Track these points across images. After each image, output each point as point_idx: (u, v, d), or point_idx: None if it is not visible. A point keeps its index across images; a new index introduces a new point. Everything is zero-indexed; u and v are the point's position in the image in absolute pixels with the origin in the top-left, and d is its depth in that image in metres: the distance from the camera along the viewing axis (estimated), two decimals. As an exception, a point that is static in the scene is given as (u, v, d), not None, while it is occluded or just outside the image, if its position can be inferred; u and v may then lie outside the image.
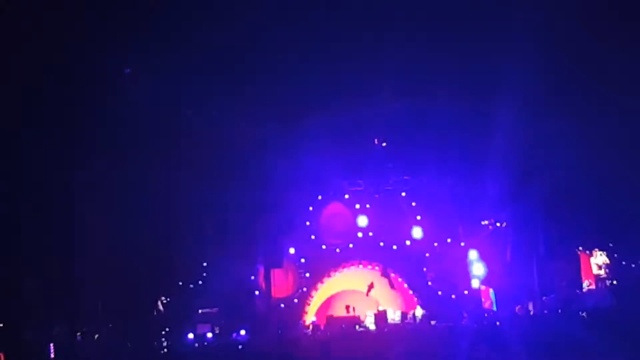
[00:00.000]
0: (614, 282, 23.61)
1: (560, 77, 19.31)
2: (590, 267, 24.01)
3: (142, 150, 21.10)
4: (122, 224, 21.41)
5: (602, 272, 23.85)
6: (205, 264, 23.15)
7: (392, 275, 24.52)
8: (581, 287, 24.25)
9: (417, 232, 24.57)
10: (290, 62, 19.65)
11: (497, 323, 22.01)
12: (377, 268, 24.71)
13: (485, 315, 23.21)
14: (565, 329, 19.43)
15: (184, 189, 22.05)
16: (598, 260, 23.90)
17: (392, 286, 24.34)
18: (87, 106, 19.48)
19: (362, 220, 24.83)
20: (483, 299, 24.07)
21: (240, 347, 20.67)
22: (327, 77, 20.40)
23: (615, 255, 23.76)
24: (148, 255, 21.64)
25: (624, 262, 23.65)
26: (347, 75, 20.51)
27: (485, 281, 24.15)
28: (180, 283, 22.73)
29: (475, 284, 24.32)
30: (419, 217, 24.79)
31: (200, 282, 22.97)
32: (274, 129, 22.02)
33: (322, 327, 22.94)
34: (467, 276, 24.41)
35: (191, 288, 22.79)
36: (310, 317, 24.04)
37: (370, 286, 24.01)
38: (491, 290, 23.89)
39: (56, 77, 18.66)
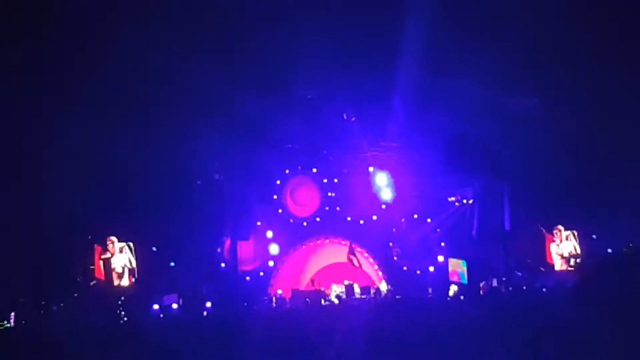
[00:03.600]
0: (578, 261, 23.82)
1: (530, 53, 19.31)
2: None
3: (112, 120, 20.77)
4: (88, 192, 21.12)
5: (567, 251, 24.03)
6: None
7: (358, 250, 24.53)
8: (545, 266, 24.45)
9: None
10: (261, 32, 19.44)
11: (462, 297, 22.18)
12: (343, 242, 24.74)
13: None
14: (527, 304, 19.63)
15: (154, 158, 21.85)
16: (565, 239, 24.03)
17: (358, 265, 24.31)
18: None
19: (329, 194, 24.86)
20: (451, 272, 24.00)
21: (205, 316, 20.61)
22: (299, 49, 20.25)
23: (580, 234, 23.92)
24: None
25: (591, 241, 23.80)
26: (319, 47, 20.35)
27: (454, 254, 24.18)
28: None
29: (440, 258, 24.47)
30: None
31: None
32: (245, 99, 21.85)
33: (287, 300, 22.97)
34: (432, 252, 24.55)
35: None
36: (275, 290, 24.06)
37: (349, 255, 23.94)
38: (462, 262, 23.83)
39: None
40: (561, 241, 24.01)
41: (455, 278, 23.77)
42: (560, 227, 23.92)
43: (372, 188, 24.74)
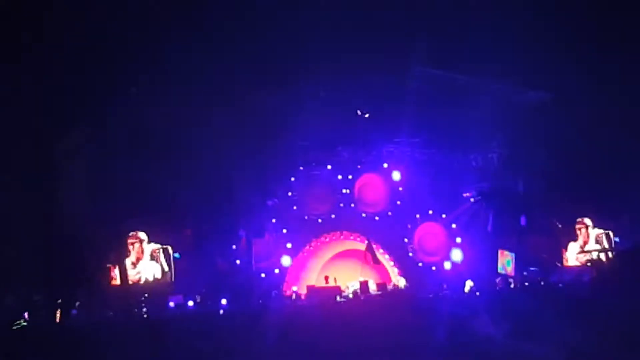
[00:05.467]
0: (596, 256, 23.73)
1: (542, 43, 19.18)
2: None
3: (121, 114, 20.78)
4: (103, 193, 21.16)
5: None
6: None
7: (375, 247, 24.51)
8: (561, 261, 24.39)
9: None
10: (272, 27, 19.39)
11: (477, 294, 22.15)
12: (359, 239, 24.74)
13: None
14: (544, 300, 19.56)
15: (169, 159, 21.89)
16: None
17: (375, 262, 24.30)
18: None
19: (344, 191, 24.88)
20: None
21: (221, 314, 20.62)
22: (310, 45, 20.18)
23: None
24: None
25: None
26: (330, 44, 20.29)
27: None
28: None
29: (456, 256, 24.48)
30: (400, 189, 24.94)
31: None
32: (256, 98, 21.85)
33: (303, 298, 22.97)
34: (448, 248, 24.55)
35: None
36: (291, 287, 24.07)
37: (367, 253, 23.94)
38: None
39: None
40: (580, 237, 23.99)
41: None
42: (584, 219, 23.88)
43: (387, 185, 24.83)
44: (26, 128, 18.94)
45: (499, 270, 23.73)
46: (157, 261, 21.81)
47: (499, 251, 24.01)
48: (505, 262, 23.92)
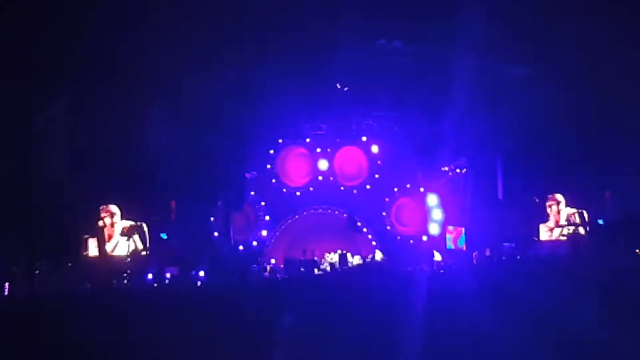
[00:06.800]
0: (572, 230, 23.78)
1: (522, 20, 19.10)
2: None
3: (104, 92, 20.58)
4: (80, 166, 21.02)
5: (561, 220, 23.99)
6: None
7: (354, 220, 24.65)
8: (538, 235, 24.49)
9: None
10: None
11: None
12: (337, 212, 24.86)
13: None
14: (519, 273, 19.64)
15: (146, 131, 21.76)
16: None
17: (355, 232, 24.48)
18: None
19: (323, 164, 24.91)
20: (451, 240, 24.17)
21: (198, 286, 20.67)
22: (290, 19, 20.03)
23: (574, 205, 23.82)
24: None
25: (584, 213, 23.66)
26: (309, 16, 20.14)
27: (452, 223, 24.36)
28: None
29: (434, 229, 24.56)
30: (379, 162, 24.98)
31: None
32: (235, 71, 21.73)
33: (280, 270, 23.06)
34: (425, 222, 24.66)
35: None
36: (270, 260, 24.16)
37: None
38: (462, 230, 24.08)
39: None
40: (558, 211, 23.90)
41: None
42: (556, 195, 23.75)
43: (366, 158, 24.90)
44: (2, 100, 18.72)
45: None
46: (128, 239, 21.64)
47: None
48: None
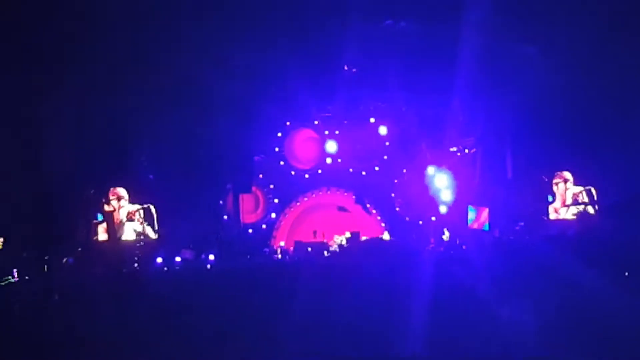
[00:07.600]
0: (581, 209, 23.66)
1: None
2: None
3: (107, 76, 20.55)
4: (88, 150, 21.06)
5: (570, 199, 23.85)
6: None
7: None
8: (547, 215, 24.38)
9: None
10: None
11: (464, 247, 22.30)
12: (346, 194, 24.87)
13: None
14: (529, 253, 19.59)
15: (153, 114, 21.77)
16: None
17: (367, 212, 24.54)
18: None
19: (331, 146, 24.86)
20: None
21: (208, 268, 20.76)
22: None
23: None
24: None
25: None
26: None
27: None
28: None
29: (443, 210, 24.52)
30: (387, 143, 24.90)
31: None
32: (243, 54, 21.65)
33: (290, 252, 23.13)
34: (434, 203, 24.60)
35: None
36: (278, 242, 24.22)
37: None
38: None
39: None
40: (557, 194, 23.71)
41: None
42: (564, 173, 23.54)
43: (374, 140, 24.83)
44: (9, 86, 18.75)
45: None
46: (137, 221, 21.77)
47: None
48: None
